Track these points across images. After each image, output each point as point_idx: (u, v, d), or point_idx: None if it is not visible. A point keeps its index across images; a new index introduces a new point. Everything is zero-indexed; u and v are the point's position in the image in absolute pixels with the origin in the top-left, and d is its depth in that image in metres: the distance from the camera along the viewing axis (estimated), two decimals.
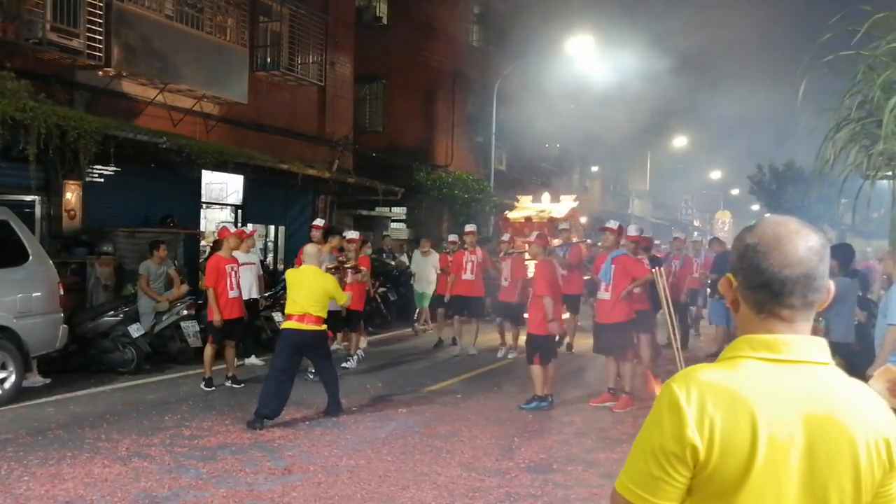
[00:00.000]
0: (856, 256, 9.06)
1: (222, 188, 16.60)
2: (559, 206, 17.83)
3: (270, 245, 18.09)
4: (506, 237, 13.97)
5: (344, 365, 11.15)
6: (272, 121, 17.26)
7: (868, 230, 27.92)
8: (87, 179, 12.68)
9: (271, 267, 16.43)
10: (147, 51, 13.32)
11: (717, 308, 13.23)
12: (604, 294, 9.25)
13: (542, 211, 17.60)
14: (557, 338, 9.76)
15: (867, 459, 1.56)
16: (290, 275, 8.64)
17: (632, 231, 10.38)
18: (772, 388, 1.58)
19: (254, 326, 11.84)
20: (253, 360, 11.53)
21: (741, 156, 49.31)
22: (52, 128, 10.68)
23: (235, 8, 15.78)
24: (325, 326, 8.50)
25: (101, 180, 13.09)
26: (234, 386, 9.94)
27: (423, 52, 23.03)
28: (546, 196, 18.59)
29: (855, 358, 6.95)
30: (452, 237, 14.81)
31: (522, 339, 12.18)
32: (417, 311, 16.25)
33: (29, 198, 12.02)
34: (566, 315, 12.30)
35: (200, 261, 13.88)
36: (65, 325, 9.81)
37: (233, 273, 9.85)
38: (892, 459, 1.59)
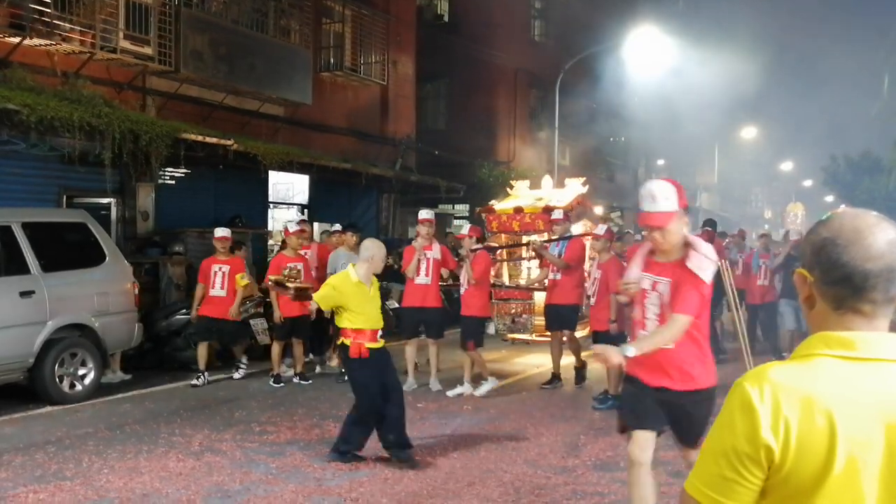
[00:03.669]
0: None
1: (289, 188, 16.91)
2: (563, 193, 14.25)
3: None
4: (464, 230, 10.34)
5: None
6: (336, 121, 17.51)
7: None
8: (159, 182, 13.08)
9: None
10: (214, 55, 13.65)
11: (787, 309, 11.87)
12: None
13: (540, 199, 14.14)
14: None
15: None
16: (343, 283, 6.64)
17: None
18: (849, 388, 1.51)
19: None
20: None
21: (814, 146, 48.12)
22: (125, 132, 11.07)
23: (299, 11, 16.03)
24: None
25: (172, 182, 13.49)
26: (303, 382, 10.11)
27: (485, 48, 23.03)
28: (547, 181, 15.09)
29: None
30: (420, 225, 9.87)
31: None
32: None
33: (105, 200, 12.46)
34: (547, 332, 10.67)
35: (268, 259, 14.12)
36: (140, 323, 10.10)
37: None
38: None
